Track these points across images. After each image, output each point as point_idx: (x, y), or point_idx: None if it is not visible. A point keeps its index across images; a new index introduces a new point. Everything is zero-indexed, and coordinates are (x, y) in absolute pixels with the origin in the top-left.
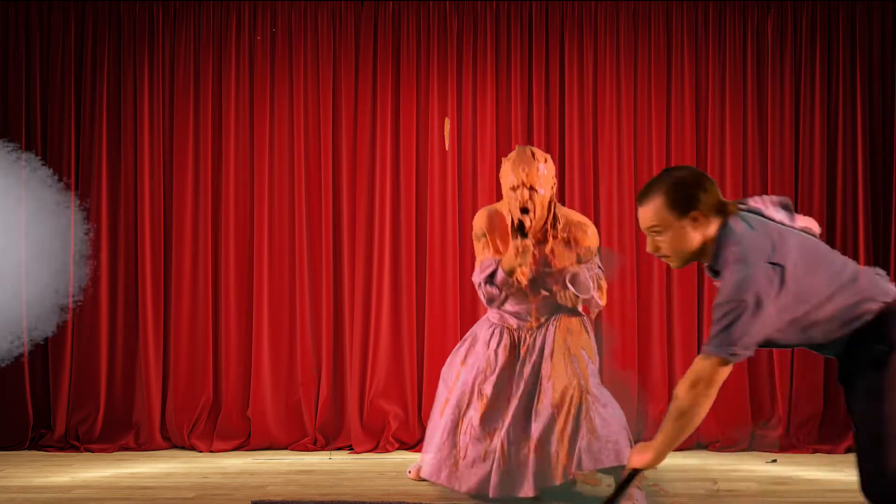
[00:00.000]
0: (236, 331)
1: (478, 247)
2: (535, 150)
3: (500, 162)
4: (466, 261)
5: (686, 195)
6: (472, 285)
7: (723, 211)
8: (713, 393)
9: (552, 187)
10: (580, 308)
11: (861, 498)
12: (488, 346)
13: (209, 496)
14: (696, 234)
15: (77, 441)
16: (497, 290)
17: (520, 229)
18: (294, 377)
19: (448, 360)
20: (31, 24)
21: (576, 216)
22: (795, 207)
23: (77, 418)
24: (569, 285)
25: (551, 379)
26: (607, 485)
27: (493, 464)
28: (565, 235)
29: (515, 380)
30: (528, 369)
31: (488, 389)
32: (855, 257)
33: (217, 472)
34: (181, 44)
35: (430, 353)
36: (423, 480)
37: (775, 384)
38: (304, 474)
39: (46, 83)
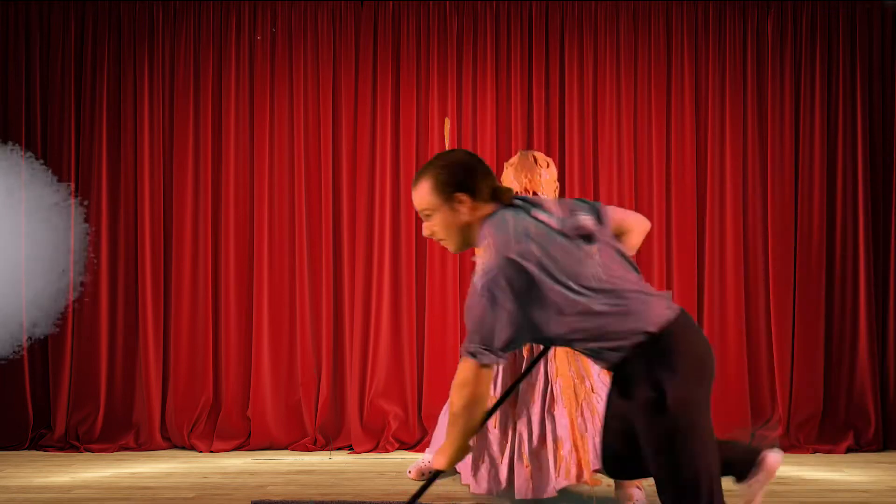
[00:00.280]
0: (236, 331)
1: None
2: (538, 154)
3: (501, 164)
4: (466, 261)
5: (453, 179)
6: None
7: (497, 198)
8: (483, 391)
9: (555, 191)
10: None
11: (861, 498)
12: None
13: (209, 496)
14: (465, 218)
15: (77, 441)
16: None
17: None
18: (294, 377)
19: None
20: (31, 24)
21: None
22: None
23: (77, 418)
24: None
25: (558, 379)
26: (607, 485)
27: (511, 464)
28: None
29: (527, 380)
30: (538, 371)
31: (494, 391)
32: (855, 257)
33: (217, 472)
34: (181, 44)
35: (430, 353)
36: (423, 480)
37: (775, 384)
38: (304, 474)
39: (46, 83)
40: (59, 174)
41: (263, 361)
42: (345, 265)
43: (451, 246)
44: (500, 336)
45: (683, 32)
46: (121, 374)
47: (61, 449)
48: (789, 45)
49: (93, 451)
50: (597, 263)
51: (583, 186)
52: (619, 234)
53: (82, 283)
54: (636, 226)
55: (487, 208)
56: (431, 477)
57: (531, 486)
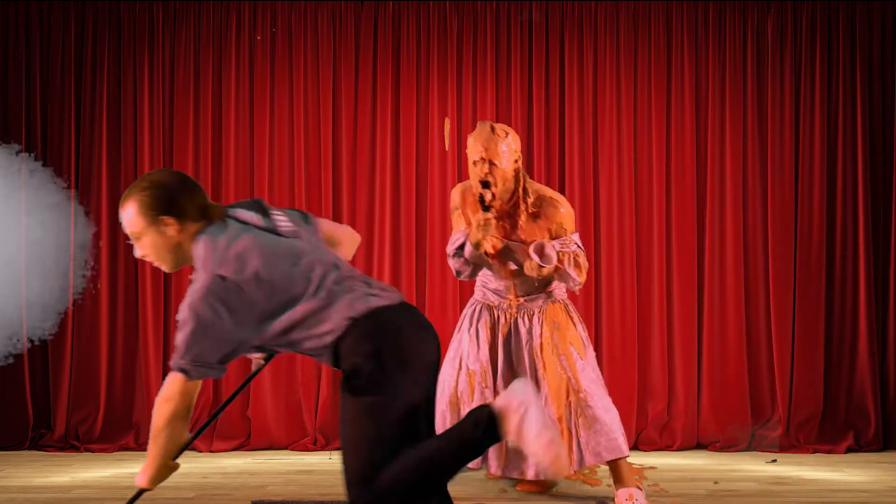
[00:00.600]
0: None
1: (453, 221)
2: (497, 125)
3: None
4: None
5: (157, 203)
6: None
7: (206, 216)
8: (187, 405)
9: (516, 161)
10: (543, 274)
11: (861, 498)
12: (470, 325)
13: (209, 496)
14: (174, 240)
15: (77, 441)
16: (464, 262)
17: (480, 202)
18: (294, 377)
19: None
20: (31, 24)
21: (549, 192)
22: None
23: (77, 418)
24: (532, 254)
25: (546, 377)
26: (607, 485)
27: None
28: (536, 210)
29: (507, 361)
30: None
31: (475, 366)
32: (855, 257)
33: (217, 472)
34: (181, 44)
35: None
36: None
37: (775, 384)
38: (304, 474)
39: (46, 83)
40: (59, 174)
41: None
42: None
43: (164, 266)
44: (215, 352)
45: (683, 32)
46: (121, 374)
47: (61, 449)
48: (789, 45)
49: (93, 451)
50: (307, 262)
51: (583, 186)
52: (332, 245)
53: (82, 284)
54: (346, 238)
55: (197, 227)
56: (135, 494)
57: (512, 461)
